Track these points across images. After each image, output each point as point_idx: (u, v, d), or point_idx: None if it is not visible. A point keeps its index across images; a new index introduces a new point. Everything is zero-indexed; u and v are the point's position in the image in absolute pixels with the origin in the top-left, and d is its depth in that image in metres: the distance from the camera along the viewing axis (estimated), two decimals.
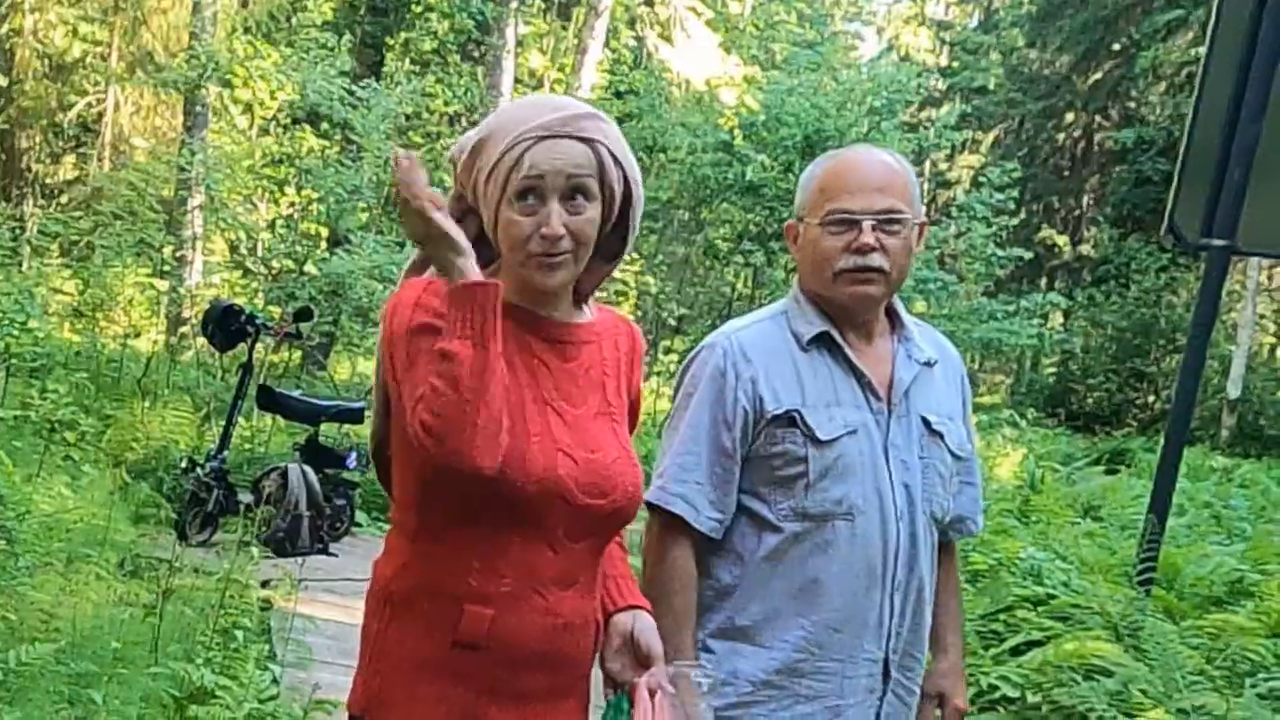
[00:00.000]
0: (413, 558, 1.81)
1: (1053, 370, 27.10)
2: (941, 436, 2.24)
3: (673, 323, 16.86)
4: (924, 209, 2.27)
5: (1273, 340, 26.43)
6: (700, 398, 2.22)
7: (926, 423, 2.23)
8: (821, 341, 2.21)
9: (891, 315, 2.29)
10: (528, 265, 1.79)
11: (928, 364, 2.27)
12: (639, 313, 16.14)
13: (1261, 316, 24.38)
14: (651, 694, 1.84)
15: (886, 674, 2.19)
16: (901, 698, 2.23)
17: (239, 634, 4.31)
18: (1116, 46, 27.76)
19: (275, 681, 4.17)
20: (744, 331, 2.25)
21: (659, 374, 15.06)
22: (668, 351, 16.14)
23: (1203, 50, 5.22)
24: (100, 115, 17.32)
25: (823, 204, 2.18)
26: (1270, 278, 25.04)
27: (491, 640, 1.77)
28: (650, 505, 2.19)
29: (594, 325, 1.93)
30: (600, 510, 1.82)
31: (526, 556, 1.78)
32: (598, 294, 1.98)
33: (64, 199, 16.92)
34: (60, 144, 18.82)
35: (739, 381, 2.18)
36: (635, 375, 2.00)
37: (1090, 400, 24.56)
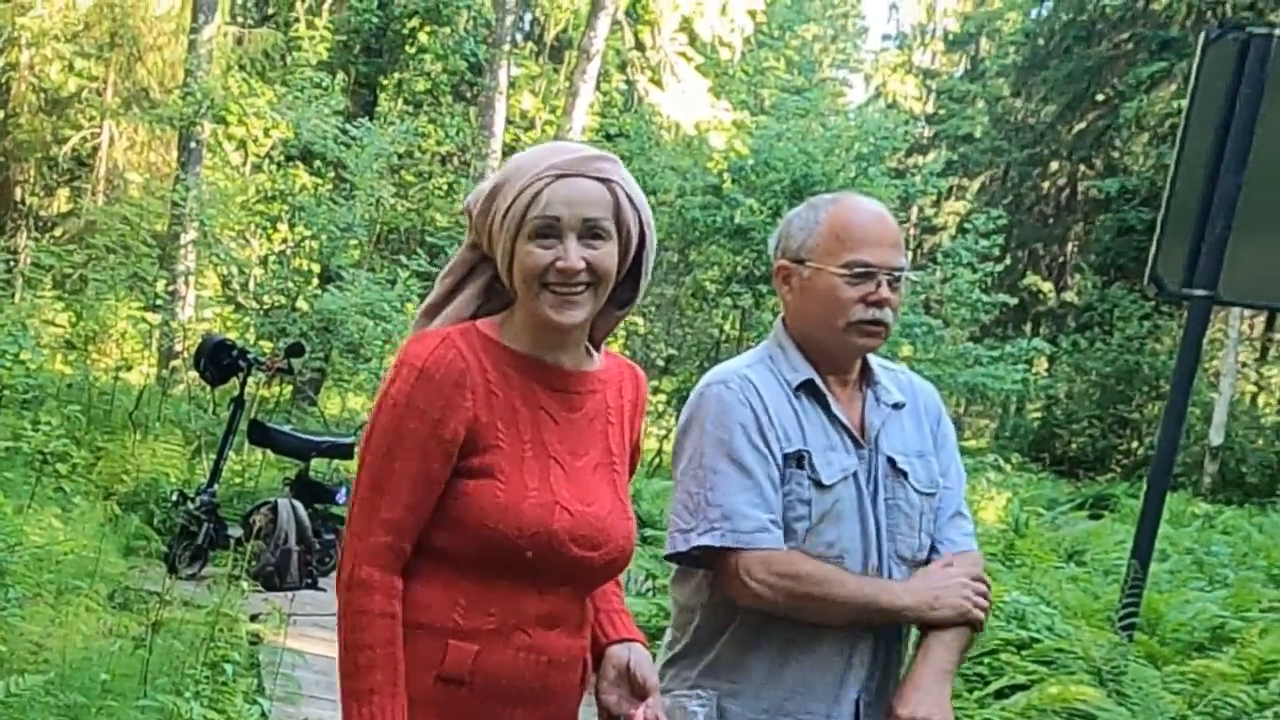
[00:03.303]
0: (403, 597, 1.81)
1: (1037, 415, 27.23)
2: (906, 475, 2.25)
3: (661, 363, 16.91)
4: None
5: (1254, 388, 26.59)
6: (732, 433, 2.16)
7: (892, 463, 2.25)
8: (806, 388, 2.23)
9: (862, 361, 2.31)
10: (543, 300, 1.79)
11: (896, 406, 2.29)
12: (628, 353, 16.17)
13: (1243, 365, 24.55)
14: None
15: (857, 714, 2.20)
16: None
17: (228, 668, 4.31)
18: (1100, 97, 28.10)
19: (264, 716, 4.16)
20: (747, 370, 2.24)
21: (647, 414, 15.07)
22: (656, 392, 16.18)
23: (1185, 102, 5.30)
24: (95, 150, 17.39)
25: (841, 252, 2.18)
26: (1252, 327, 25.27)
27: (476, 676, 1.79)
28: (727, 550, 2.12)
29: (601, 373, 1.95)
30: (592, 562, 1.85)
31: (513, 598, 1.82)
32: None
33: (58, 232, 16.94)
34: (55, 177, 18.89)
35: (763, 415, 2.17)
36: (638, 422, 2.02)
37: (1074, 445, 24.68)
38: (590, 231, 1.79)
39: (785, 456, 2.17)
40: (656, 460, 14.12)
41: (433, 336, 1.83)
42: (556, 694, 1.88)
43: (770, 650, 2.18)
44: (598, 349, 1.96)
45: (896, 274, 2.18)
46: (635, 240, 1.85)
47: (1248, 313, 21.07)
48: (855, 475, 2.20)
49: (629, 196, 1.82)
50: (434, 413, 1.76)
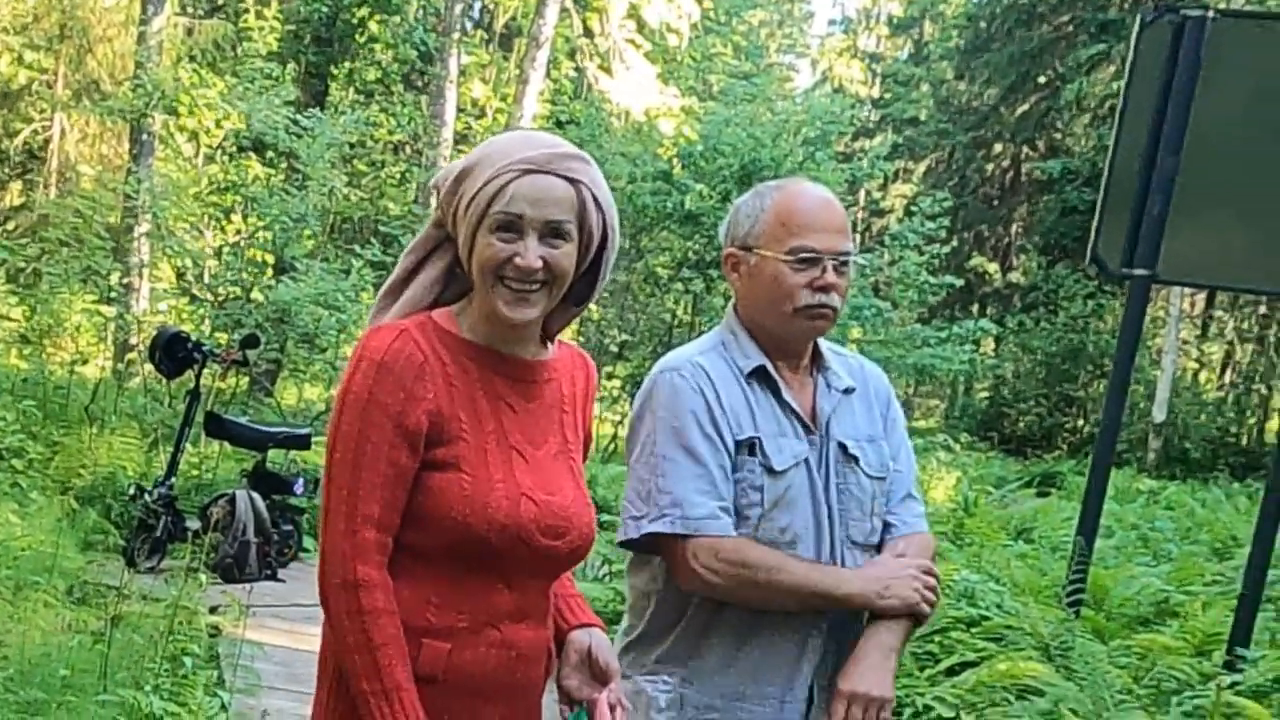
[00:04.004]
0: None
1: (985, 395, 27.56)
2: (857, 460, 2.27)
3: (615, 349, 16.93)
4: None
5: (1195, 365, 27.09)
6: (684, 420, 2.19)
7: (843, 448, 2.27)
8: (758, 375, 2.25)
9: (812, 347, 2.34)
10: (497, 293, 1.80)
11: (846, 391, 2.32)
12: (582, 339, 16.18)
13: (1184, 342, 24.97)
14: (612, 708, 1.91)
15: (811, 699, 2.24)
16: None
17: (188, 661, 4.31)
18: (1042, 79, 28.44)
19: (224, 708, 4.16)
20: (699, 358, 2.25)
21: (600, 399, 15.13)
22: (610, 377, 16.21)
23: (1123, 84, 5.36)
24: (46, 142, 17.15)
25: (786, 238, 2.19)
26: (1193, 305, 25.70)
27: (448, 673, 1.81)
28: (677, 536, 2.15)
29: (554, 362, 1.96)
30: (557, 551, 1.87)
31: (483, 593, 1.83)
32: None
33: (10, 225, 16.69)
34: (6, 171, 18.60)
35: (715, 403, 2.20)
36: (589, 409, 2.04)
37: (1021, 424, 25.01)
38: (552, 231, 1.78)
39: (737, 443, 2.19)
40: (611, 446, 14.16)
41: (389, 330, 1.81)
42: (524, 687, 1.91)
43: (726, 635, 2.21)
44: (553, 342, 1.97)
45: (842, 259, 2.20)
46: (597, 241, 1.86)
47: (1188, 291, 21.42)
48: (807, 461, 2.22)
49: (595, 198, 1.82)
50: (396, 405, 1.76)
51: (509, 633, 1.86)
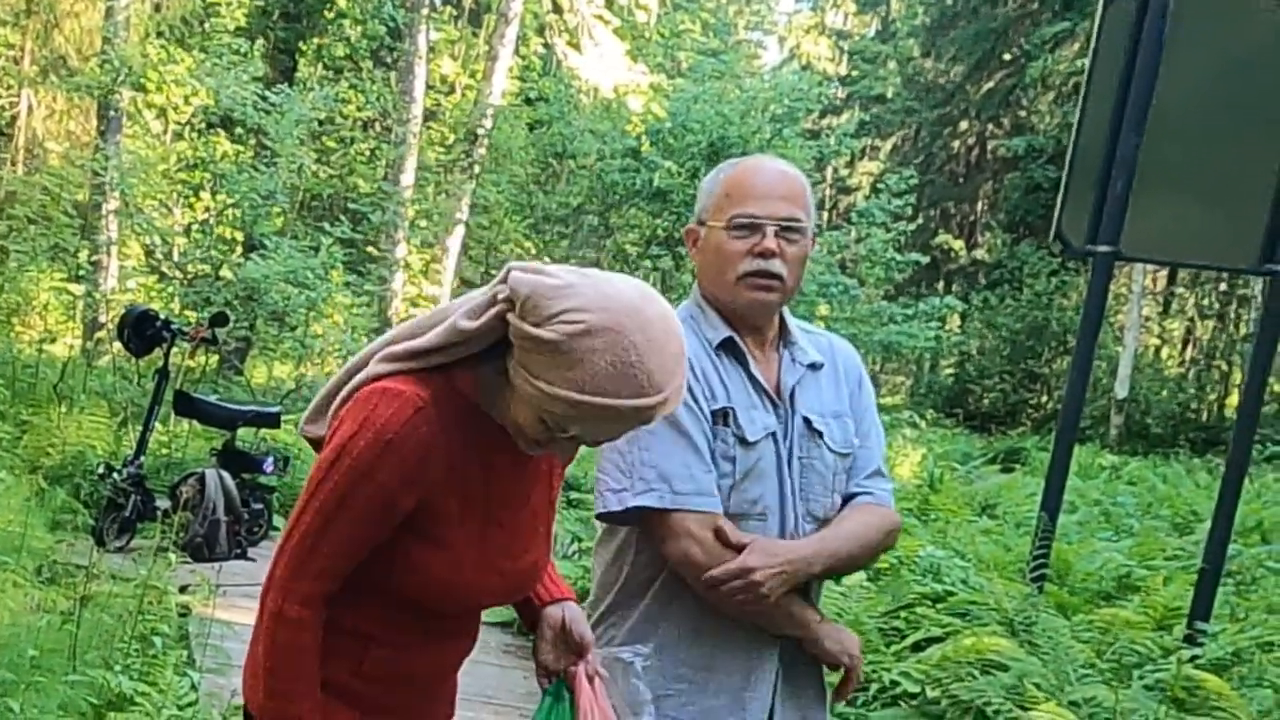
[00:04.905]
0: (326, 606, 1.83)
1: (951, 371, 27.74)
2: (821, 435, 2.28)
3: None
4: (817, 220, 2.32)
5: (1158, 341, 27.36)
6: None
7: (808, 422, 2.28)
8: (726, 348, 2.26)
9: (780, 323, 2.34)
10: (524, 445, 1.77)
11: (812, 366, 2.33)
12: None
13: (1146, 319, 25.22)
14: (590, 679, 1.94)
15: (778, 673, 2.26)
16: (792, 689, 2.29)
17: (157, 640, 4.29)
18: (1007, 57, 28.54)
19: (194, 688, 4.15)
20: None
21: None
22: None
23: (1087, 62, 5.39)
24: (13, 119, 16.89)
25: (727, 209, 2.21)
26: (1155, 281, 25.94)
27: (391, 675, 1.87)
28: (658, 511, 2.16)
29: None
30: (506, 602, 1.97)
31: (432, 622, 1.89)
32: None
33: None
34: None
35: (688, 375, 2.14)
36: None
37: (986, 401, 25.19)
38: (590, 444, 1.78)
39: (712, 413, 2.19)
40: None
41: (407, 403, 1.71)
42: (451, 668, 2.01)
43: (692, 608, 2.22)
44: None
45: (785, 225, 2.19)
46: None
47: (1150, 268, 21.61)
48: (775, 434, 2.24)
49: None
50: (391, 484, 1.72)
51: (449, 644, 1.96)
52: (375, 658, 1.85)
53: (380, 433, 1.70)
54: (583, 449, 1.81)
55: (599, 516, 2.26)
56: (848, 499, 2.34)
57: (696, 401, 2.19)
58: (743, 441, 2.20)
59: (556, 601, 2.02)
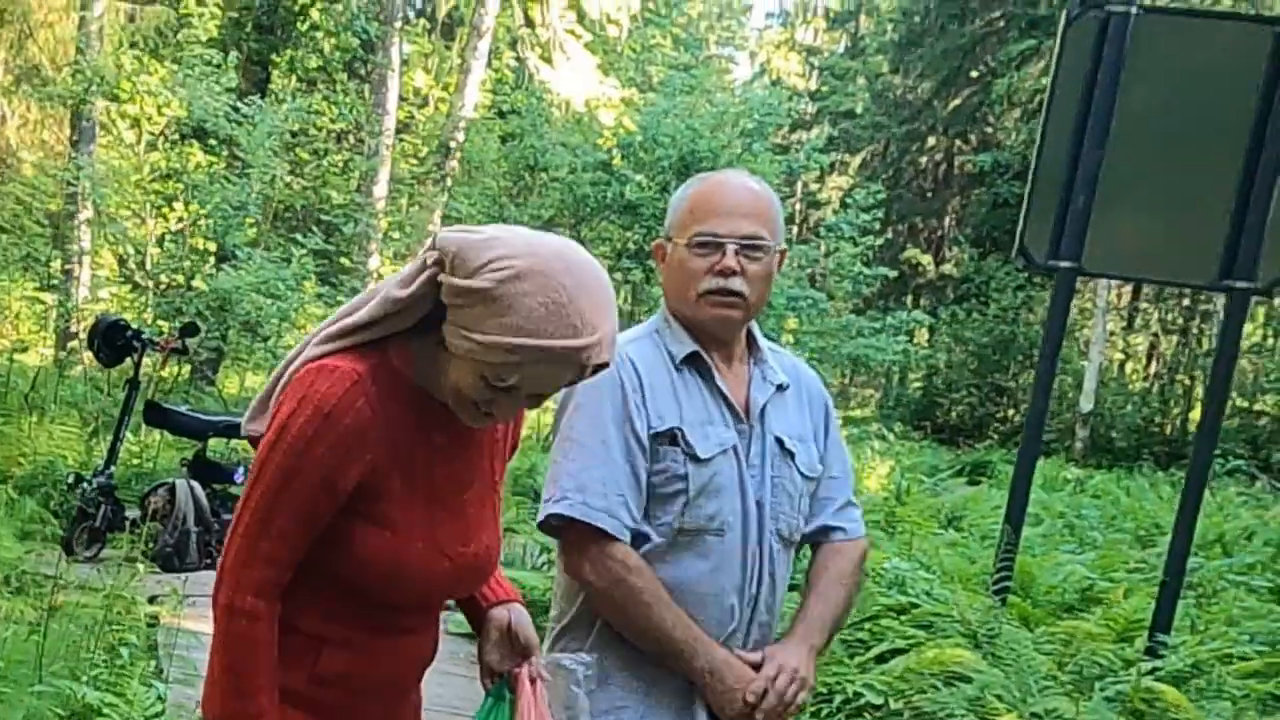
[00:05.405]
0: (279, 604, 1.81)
1: (919, 385, 27.86)
2: (793, 456, 2.30)
3: None
4: (785, 236, 2.32)
5: (1122, 356, 27.58)
6: (601, 409, 2.20)
7: (780, 442, 2.29)
8: (691, 362, 2.27)
9: (749, 339, 2.35)
10: (464, 411, 1.75)
11: (780, 387, 2.34)
12: None
13: (1111, 333, 25.42)
14: (532, 682, 1.95)
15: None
16: None
17: (125, 651, 4.26)
18: (974, 74, 28.77)
19: (161, 699, 4.12)
20: (629, 346, 2.25)
21: None
22: None
23: (1050, 78, 5.44)
24: None
25: (690, 226, 2.22)
26: (1119, 296, 26.17)
27: (345, 677, 1.85)
28: (568, 520, 2.18)
29: None
30: (462, 592, 1.96)
31: (384, 616, 1.86)
32: None
33: None
34: None
35: (635, 393, 2.22)
36: (520, 423, 2.03)
37: (954, 414, 25.32)
38: (537, 399, 1.74)
39: (657, 434, 2.20)
40: (551, 436, 14.13)
41: (342, 376, 1.72)
42: (404, 685, 1.97)
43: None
44: None
45: (747, 243, 2.20)
46: None
47: (1115, 283, 21.80)
48: (735, 449, 2.24)
49: (595, 368, 1.71)
50: (331, 460, 1.71)
51: (404, 643, 1.91)
52: (330, 659, 1.82)
53: (318, 407, 1.70)
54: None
55: (539, 527, 2.28)
56: (822, 532, 2.38)
57: (634, 429, 2.20)
58: (694, 459, 2.21)
59: (503, 603, 2.02)
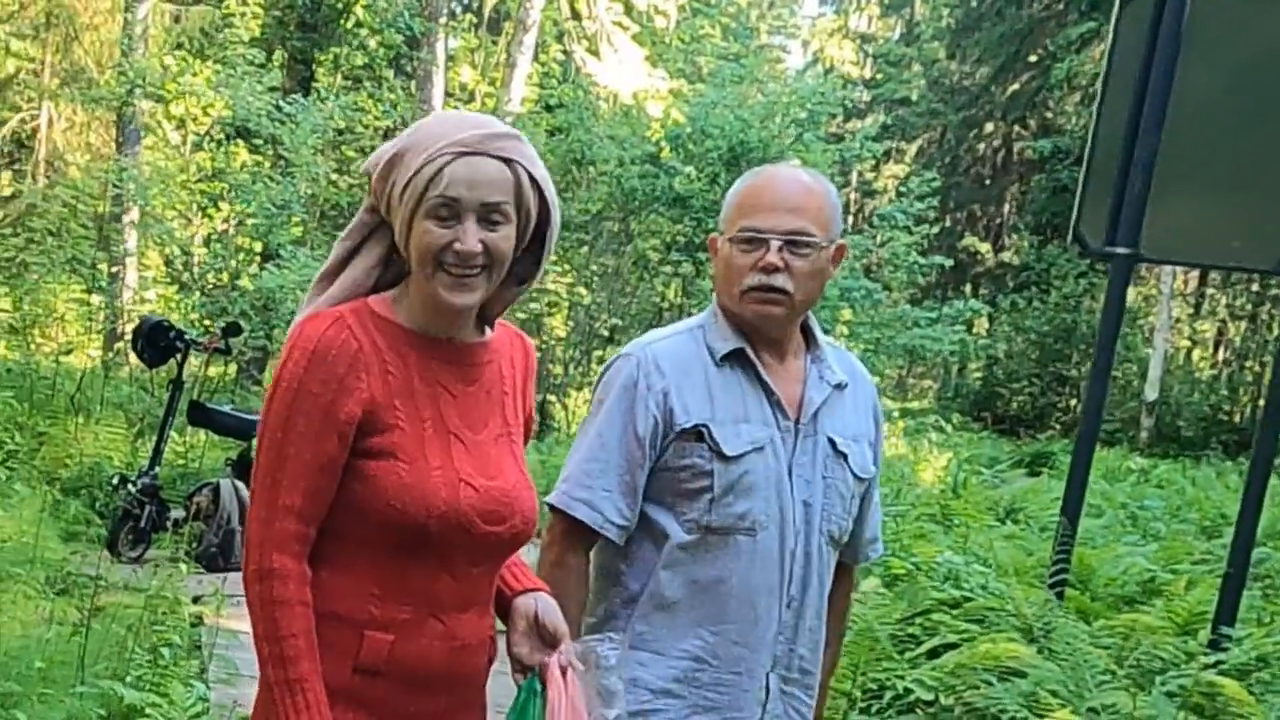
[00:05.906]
0: (314, 586, 1.78)
1: (978, 375, 27.56)
2: (846, 458, 2.26)
3: (605, 333, 16.88)
4: (841, 230, 2.27)
5: (1188, 344, 27.10)
6: (611, 406, 2.22)
7: (833, 443, 2.25)
8: (735, 358, 2.23)
9: (807, 335, 2.31)
10: (437, 279, 1.78)
11: (839, 386, 2.29)
12: (572, 324, 16.14)
13: (1177, 320, 24.99)
14: (563, 671, 1.89)
15: (768, 687, 2.23)
16: (786, 711, 2.27)
17: (167, 651, 4.30)
18: (1033, 58, 28.37)
19: (203, 699, 4.15)
20: (660, 344, 2.26)
21: (590, 385, 15.06)
22: (599, 362, 16.16)
23: (1105, 61, 5.34)
24: (34, 132, 17.08)
25: (737, 220, 2.20)
26: (1186, 283, 25.71)
27: (392, 665, 1.80)
28: (552, 508, 2.22)
29: (493, 344, 1.93)
30: (499, 537, 1.86)
31: (426, 583, 1.81)
32: (532, 306, 2.00)
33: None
34: None
35: (650, 393, 2.19)
36: (530, 391, 2.01)
37: (1014, 404, 25.02)
38: (489, 214, 1.76)
39: (683, 431, 2.19)
40: (580, 426, 14.13)
41: (324, 317, 1.79)
42: (466, 677, 1.90)
43: (682, 617, 2.21)
44: (492, 325, 1.94)
45: (791, 239, 2.16)
46: (535, 219, 1.83)
47: (1180, 269, 21.41)
48: (774, 448, 2.20)
49: (531, 176, 1.79)
50: (327, 394, 1.74)
51: (452, 624, 1.84)
52: (373, 646, 1.78)
53: (304, 348, 1.76)
54: None
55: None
56: (847, 568, 2.42)
57: (636, 428, 2.19)
58: (720, 455, 2.18)
59: (528, 591, 1.97)
